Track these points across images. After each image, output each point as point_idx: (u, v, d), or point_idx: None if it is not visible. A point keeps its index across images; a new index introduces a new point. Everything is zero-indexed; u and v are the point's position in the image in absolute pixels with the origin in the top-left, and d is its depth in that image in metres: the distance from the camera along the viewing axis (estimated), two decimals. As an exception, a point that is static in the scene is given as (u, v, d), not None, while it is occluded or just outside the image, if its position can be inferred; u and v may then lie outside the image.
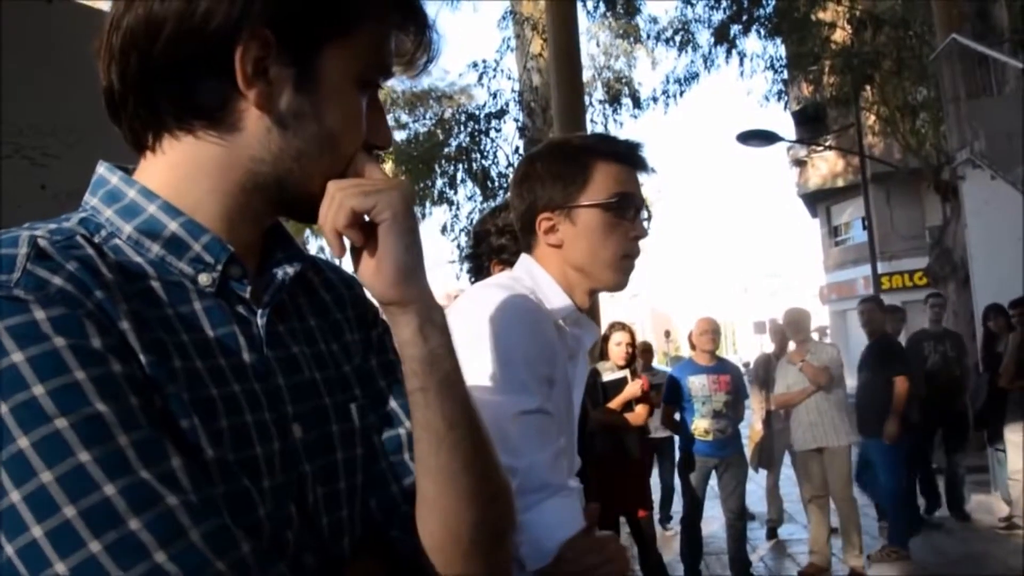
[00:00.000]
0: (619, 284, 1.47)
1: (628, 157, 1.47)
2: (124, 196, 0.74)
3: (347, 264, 0.83)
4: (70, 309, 0.62)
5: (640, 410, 5.06)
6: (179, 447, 0.63)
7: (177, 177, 0.75)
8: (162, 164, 0.75)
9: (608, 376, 5.09)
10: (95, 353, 0.62)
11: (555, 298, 1.44)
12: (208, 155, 0.74)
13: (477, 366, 1.25)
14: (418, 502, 0.80)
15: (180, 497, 0.60)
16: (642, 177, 1.49)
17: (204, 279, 0.73)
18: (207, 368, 0.70)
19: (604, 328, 5.36)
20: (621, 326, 5.32)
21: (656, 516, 6.41)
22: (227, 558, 0.60)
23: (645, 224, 1.48)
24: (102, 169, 0.77)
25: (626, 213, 1.44)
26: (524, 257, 1.52)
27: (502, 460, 1.20)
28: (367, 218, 0.75)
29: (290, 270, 0.81)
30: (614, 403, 4.98)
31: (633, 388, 4.99)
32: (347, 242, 0.77)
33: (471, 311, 1.34)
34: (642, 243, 1.47)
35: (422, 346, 0.76)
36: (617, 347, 5.17)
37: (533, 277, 1.46)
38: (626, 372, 5.08)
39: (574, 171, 1.44)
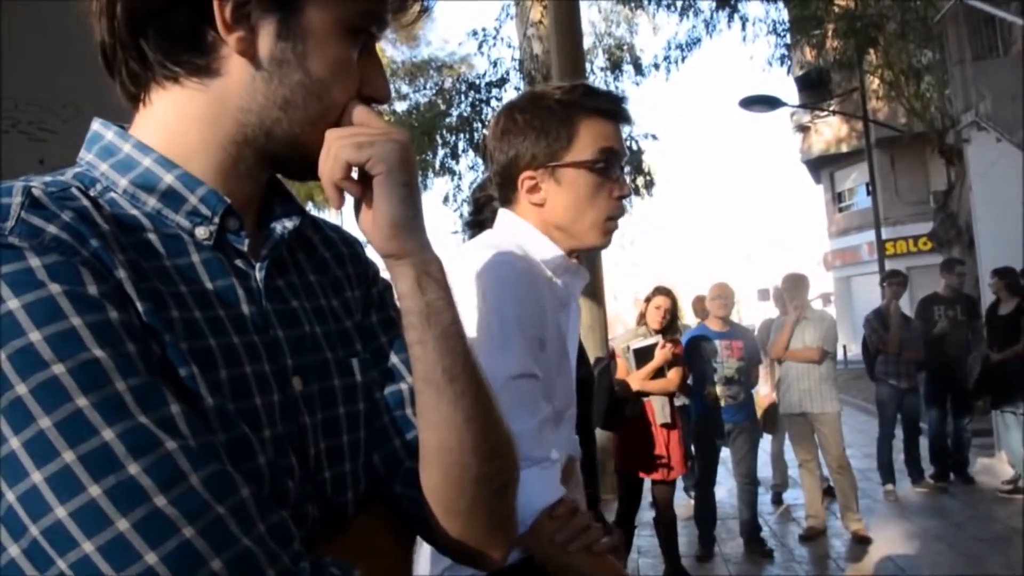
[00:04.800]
0: (602, 245, 1.46)
1: (613, 112, 1.43)
2: (119, 151, 0.73)
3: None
4: (65, 257, 0.62)
5: (673, 375, 5.04)
6: (178, 394, 0.63)
7: (167, 129, 0.74)
8: (152, 117, 0.75)
9: (638, 343, 5.07)
10: (92, 300, 0.61)
11: (543, 249, 1.41)
12: (195, 105, 0.73)
13: (468, 328, 1.24)
14: (421, 455, 0.80)
15: (179, 442, 0.60)
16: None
17: (201, 232, 0.73)
18: (205, 319, 0.70)
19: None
20: (663, 291, 5.28)
21: (681, 484, 6.46)
22: (227, 502, 0.60)
23: (628, 179, 1.44)
24: (97, 125, 0.76)
25: (612, 172, 1.41)
26: (503, 212, 1.49)
27: None
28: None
29: (289, 224, 0.81)
30: (645, 370, 4.97)
31: (664, 353, 4.97)
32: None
33: (462, 273, 1.30)
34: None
35: (419, 299, 0.76)
36: (656, 310, 5.16)
37: (517, 231, 1.43)
38: (658, 338, 5.06)
39: (558, 127, 1.40)
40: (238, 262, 0.75)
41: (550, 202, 1.42)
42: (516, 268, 1.33)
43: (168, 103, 0.74)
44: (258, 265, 0.77)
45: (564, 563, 1.24)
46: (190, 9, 0.70)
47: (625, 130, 1.47)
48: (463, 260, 1.36)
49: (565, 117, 1.40)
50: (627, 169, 1.44)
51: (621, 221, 1.47)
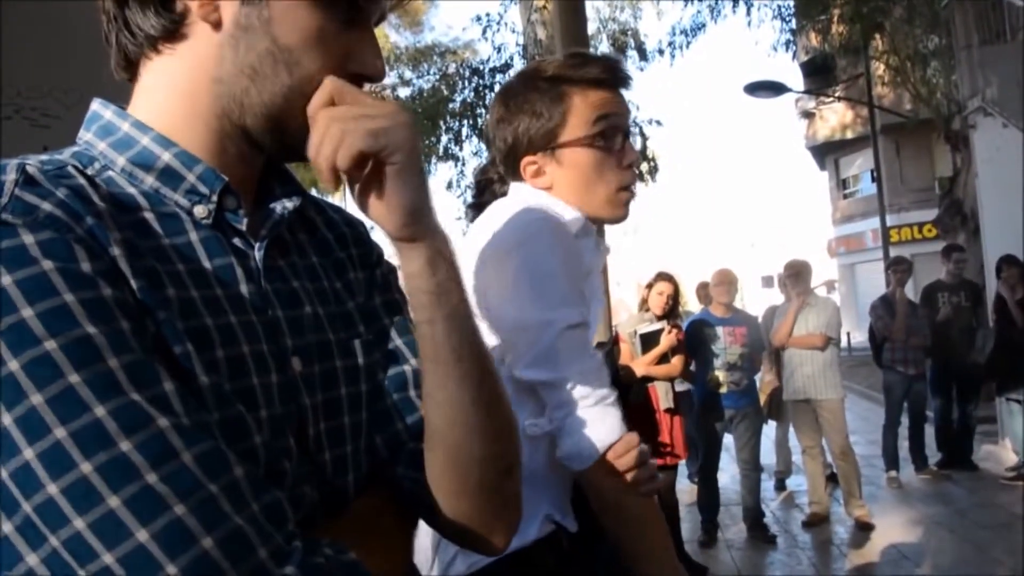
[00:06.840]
0: (619, 218, 1.40)
1: (606, 80, 1.36)
2: (118, 130, 0.73)
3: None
4: (59, 234, 0.61)
5: (676, 361, 5.04)
6: (172, 372, 0.62)
7: (157, 104, 0.74)
8: (143, 92, 0.75)
9: (645, 328, 5.07)
10: (85, 277, 0.61)
11: (563, 212, 1.35)
12: (173, 74, 0.74)
13: (522, 284, 1.23)
14: (426, 437, 0.80)
15: (171, 419, 0.60)
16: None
17: (200, 211, 0.72)
18: (202, 298, 0.69)
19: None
20: (666, 276, 5.29)
21: (684, 470, 6.46)
22: (220, 480, 0.60)
23: (635, 143, 1.39)
24: (96, 105, 0.76)
25: (613, 142, 1.35)
26: (516, 185, 1.44)
27: (552, 373, 1.23)
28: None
29: (289, 205, 0.80)
30: (650, 355, 4.97)
31: (670, 339, 4.98)
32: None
33: (506, 232, 1.27)
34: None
35: (430, 279, 0.75)
36: (659, 296, 5.17)
37: (535, 198, 1.37)
38: (663, 324, 5.06)
39: (551, 107, 1.35)
40: (236, 241, 0.75)
41: (557, 184, 1.38)
42: (557, 224, 1.29)
43: (153, 75, 0.74)
44: (257, 244, 0.76)
45: (613, 501, 1.26)
46: None
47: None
48: (504, 220, 1.30)
49: (556, 94, 1.35)
50: (633, 132, 1.34)
51: None
